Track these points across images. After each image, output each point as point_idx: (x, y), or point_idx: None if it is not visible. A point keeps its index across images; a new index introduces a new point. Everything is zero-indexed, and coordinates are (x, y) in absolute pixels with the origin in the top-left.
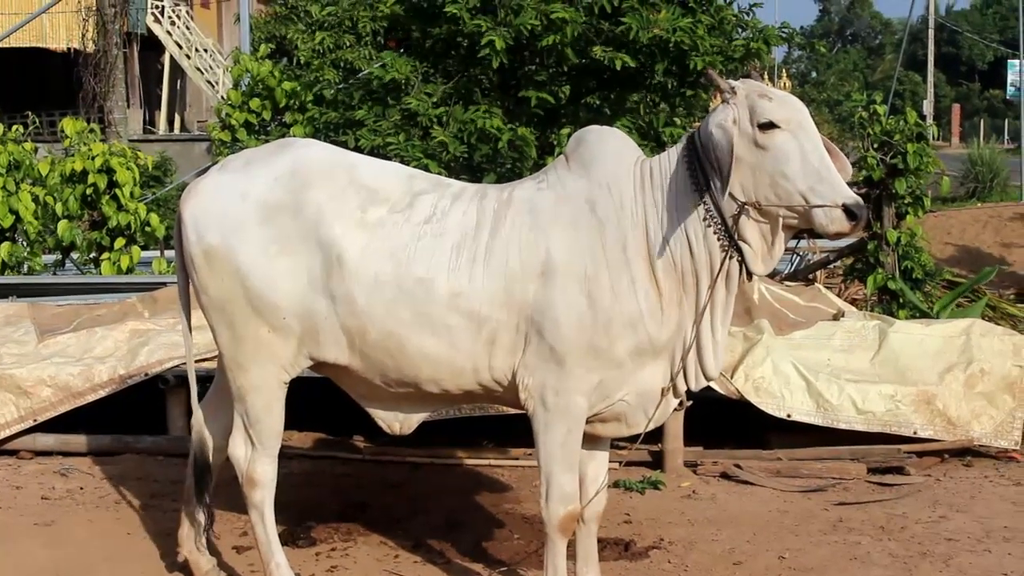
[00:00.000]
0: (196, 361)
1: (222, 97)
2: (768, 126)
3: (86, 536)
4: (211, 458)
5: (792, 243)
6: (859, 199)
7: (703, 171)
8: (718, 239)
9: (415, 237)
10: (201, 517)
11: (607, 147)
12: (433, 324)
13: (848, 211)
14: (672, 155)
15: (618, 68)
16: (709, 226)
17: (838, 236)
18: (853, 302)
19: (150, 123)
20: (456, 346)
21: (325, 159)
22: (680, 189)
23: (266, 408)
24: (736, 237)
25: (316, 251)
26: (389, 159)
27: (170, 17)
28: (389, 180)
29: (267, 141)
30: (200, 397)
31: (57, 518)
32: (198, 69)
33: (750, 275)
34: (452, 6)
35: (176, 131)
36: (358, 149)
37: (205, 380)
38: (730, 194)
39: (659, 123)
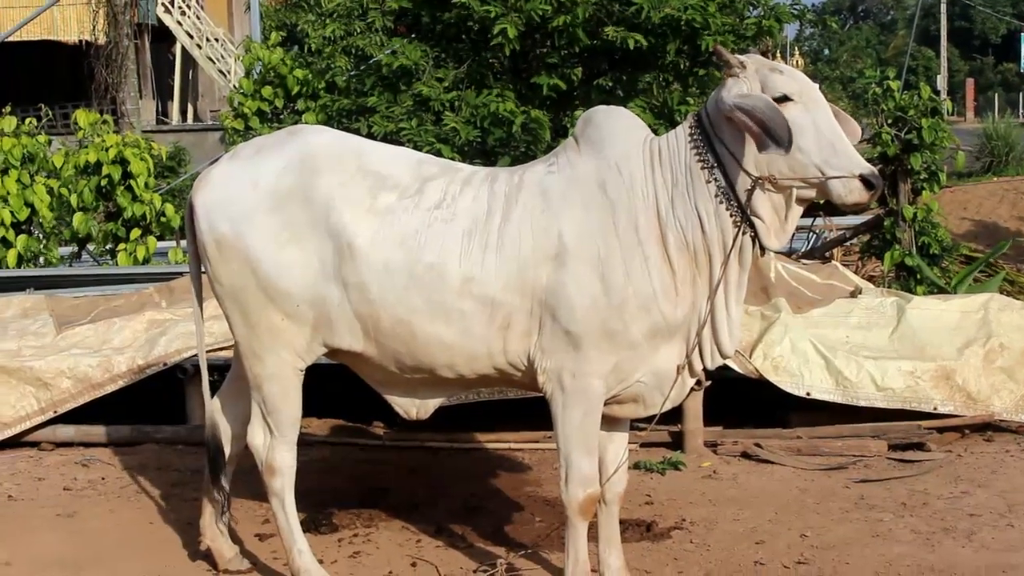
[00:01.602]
0: (215, 350)
1: (234, 86)
2: (781, 100)
3: (108, 526)
4: (225, 443)
5: (808, 221)
6: (874, 169)
7: (712, 148)
8: (730, 215)
9: (425, 223)
10: (218, 501)
11: (616, 127)
12: (446, 310)
13: (865, 181)
14: (680, 133)
15: (630, 48)
16: (721, 202)
17: (855, 207)
18: (870, 279)
19: (163, 113)
20: (470, 331)
21: (334, 146)
22: (690, 167)
23: (283, 396)
24: (749, 212)
25: (327, 238)
26: (402, 145)
27: (180, 7)
28: (398, 166)
29: (280, 128)
30: (219, 385)
31: (79, 509)
32: (209, 58)
33: (763, 250)
34: None
35: (189, 121)
36: (371, 135)
37: (225, 369)
38: (743, 169)
39: (672, 103)
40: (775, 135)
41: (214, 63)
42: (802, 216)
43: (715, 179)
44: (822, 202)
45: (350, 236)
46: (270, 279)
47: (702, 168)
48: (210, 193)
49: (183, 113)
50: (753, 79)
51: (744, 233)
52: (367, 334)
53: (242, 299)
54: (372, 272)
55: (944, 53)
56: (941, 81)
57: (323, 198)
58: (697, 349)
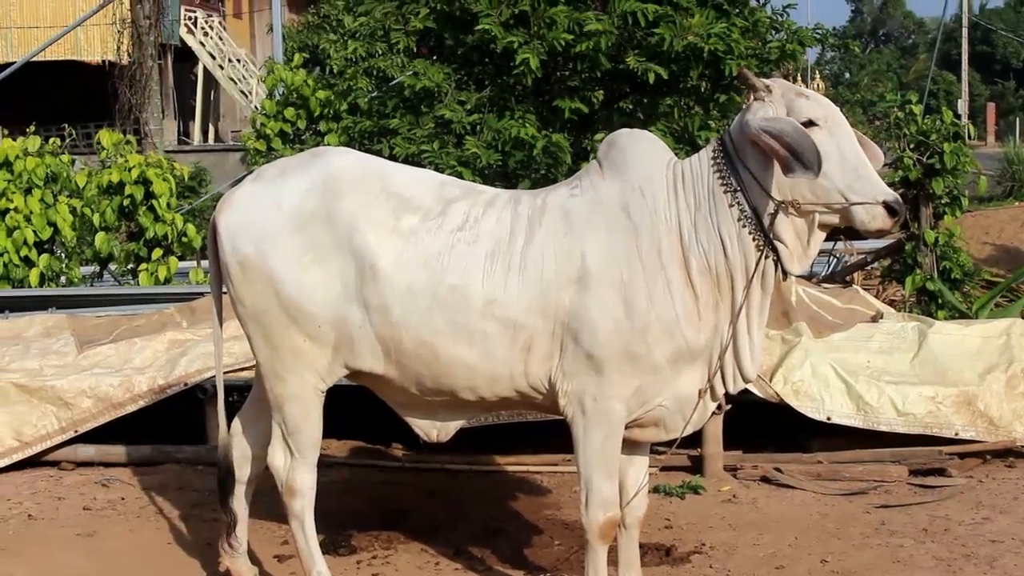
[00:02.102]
0: (235, 371)
1: (255, 107)
2: (807, 124)
3: (128, 546)
4: (243, 464)
5: (828, 245)
6: (897, 196)
7: (735, 171)
8: (753, 239)
9: (448, 245)
10: (225, 522)
11: (639, 150)
12: (468, 332)
13: (888, 208)
14: (703, 157)
15: (651, 81)
16: (744, 227)
17: (878, 233)
18: (891, 303)
19: (184, 134)
20: (492, 354)
21: (357, 168)
22: (713, 191)
23: (304, 417)
24: (771, 237)
25: (349, 260)
26: (424, 167)
27: (203, 28)
28: (421, 188)
29: (302, 150)
30: (239, 406)
31: (99, 529)
32: (231, 79)
33: (785, 275)
34: (485, 21)
35: (210, 141)
36: (392, 157)
37: (244, 390)
38: (767, 193)
39: (694, 127)
40: (804, 159)
41: (236, 84)
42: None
43: (738, 203)
44: (843, 227)
45: (373, 258)
46: (293, 300)
47: (725, 192)
48: (234, 214)
49: (204, 133)
50: (779, 103)
51: (767, 257)
52: (389, 356)
53: (264, 320)
54: (395, 294)
55: (965, 77)
56: (962, 105)
57: (346, 220)
58: (719, 373)
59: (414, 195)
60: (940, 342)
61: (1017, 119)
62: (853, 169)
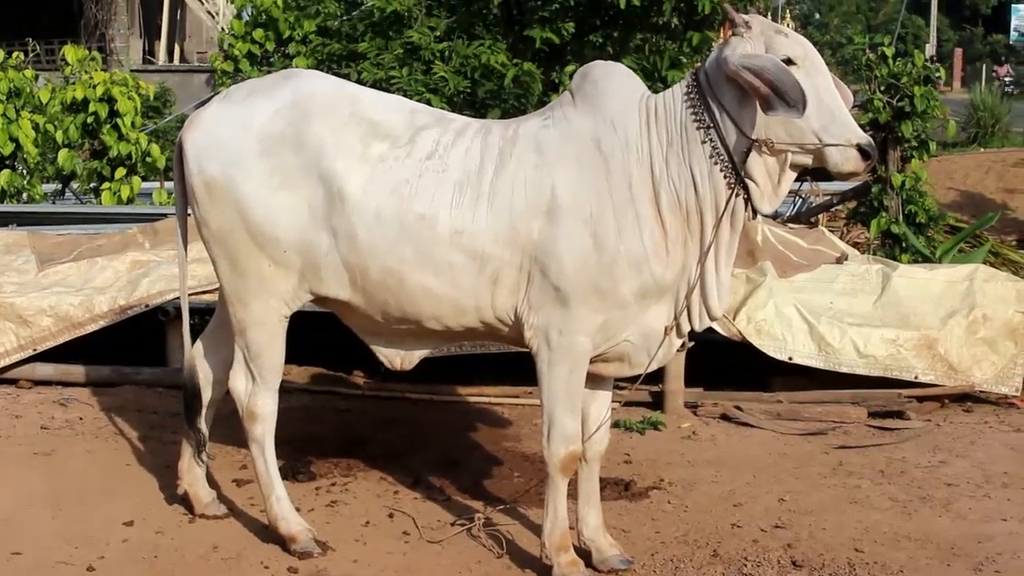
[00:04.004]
0: (198, 293)
1: (222, 28)
2: (785, 63)
3: (85, 466)
4: (205, 387)
5: (795, 186)
6: (870, 139)
7: (709, 108)
8: (724, 177)
9: (417, 173)
10: (193, 445)
11: (613, 83)
12: (435, 262)
13: (862, 150)
14: (677, 92)
15: (622, 7)
16: (716, 163)
17: (850, 176)
18: (855, 246)
19: (149, 53)
20: (458, 284)
21: (328, 91)
22: (685, 126)
23: (267, 342)
24: (743, 175)
25: (317, 185)
26: (392, 93)
27: None
28: (391, 114)
29: (270, 72)
30: (200, 329)
31: (56, 448)
32: None
33: (755, 214)
34: None
35: (175, 62)
36: (360, 82)
37: (206, 312)
38: (740, 130)
39: (663, 64)
40: (788, 98)
41: (203, 3)
42: None
43: (710, 140)
44: (814, 167)
45: (341, 184)
46: (259, 224)
47: (698, 128)
48: (201, 135)
49: (170, 54)
50: (757, 40)
51: (737, 195)
52: (355, 283)
53: (230, 243)
54: (362, 221)
55: (934, 22)
56: (930, 50)
57: (315, 144)
58: (686, 311)
59: (384, 121)
60: (904, 285)
61: (984, 66)
62: (829, 111)
